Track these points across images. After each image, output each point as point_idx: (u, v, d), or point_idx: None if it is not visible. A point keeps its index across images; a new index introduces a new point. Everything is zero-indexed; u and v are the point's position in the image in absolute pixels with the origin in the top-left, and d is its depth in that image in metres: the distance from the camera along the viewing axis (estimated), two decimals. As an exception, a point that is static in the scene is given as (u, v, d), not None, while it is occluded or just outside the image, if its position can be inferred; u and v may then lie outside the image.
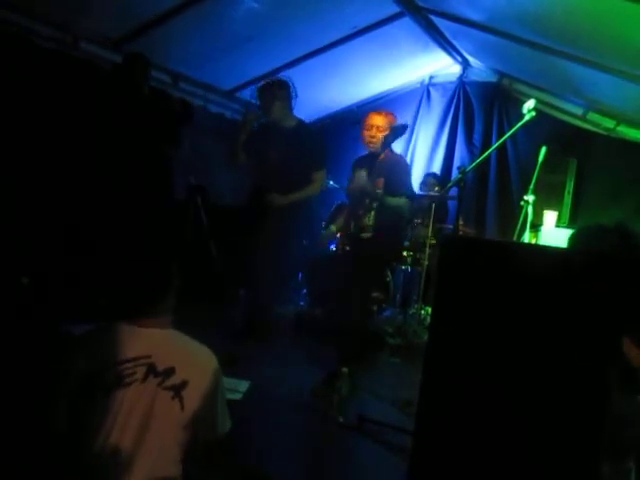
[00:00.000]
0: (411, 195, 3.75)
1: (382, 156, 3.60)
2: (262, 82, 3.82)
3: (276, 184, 3.70)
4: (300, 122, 3.83)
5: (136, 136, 3.58)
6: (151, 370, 1.47)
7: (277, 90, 3.68)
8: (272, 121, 3.76)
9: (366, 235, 3.53)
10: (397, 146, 4.00)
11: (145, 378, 1.46)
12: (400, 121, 3.69)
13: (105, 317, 1.64)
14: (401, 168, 3.71)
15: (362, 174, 3.58)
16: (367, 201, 3.55)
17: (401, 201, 3.58)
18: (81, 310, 2.91)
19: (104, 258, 3.15)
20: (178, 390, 1.47)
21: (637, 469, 1.71)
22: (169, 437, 1.47)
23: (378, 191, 3.51)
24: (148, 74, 3.80)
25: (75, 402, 1.46)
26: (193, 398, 1.49)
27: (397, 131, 3.49)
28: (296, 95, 3.75)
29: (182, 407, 1.47)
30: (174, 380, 1.48)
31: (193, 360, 1.56)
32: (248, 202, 3.90)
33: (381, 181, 3.57)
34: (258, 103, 3.77)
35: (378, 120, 3.62)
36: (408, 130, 5.41)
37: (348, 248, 3.66)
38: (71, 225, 3.42)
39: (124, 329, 1.55)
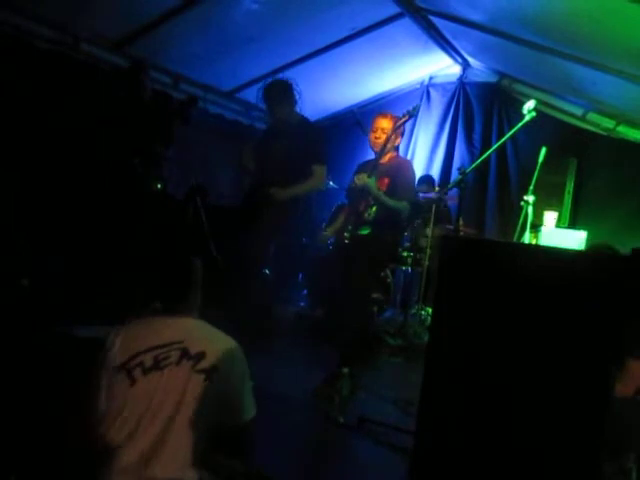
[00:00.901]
0: (413, 201, 3.77)
1: (388, 158, 3.61)
2: (266, 82, 3.82)
3: (276, 177, 3.69)
4: (303, 119, 3.84)
5: (131, 137, 3.58)
6: (185, 354, 1.54)
7: (282, 93, 3.71)
8: (277, 121, 3.80)
9: (365, 231, 3.54)
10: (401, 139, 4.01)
11: (179, 361, 1.52)
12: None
13: (106, 317, 1.68)
14: (407, 172, 3.72)
15: (363, 176, 3.57)
16: (369, 198, 3.56)
17: (401, 204, 3.58)
18: (82, 311, 2.91)
19: (120, 259, 3.19)
20: (209, 373, 1.53)
21: (638, 468, 1.72)
22: (197, 423, 1.50)
23: (380, 191, 3.52)
24: (148, 81, 3.81)
25: (112, 385, 1.52)
26: (223, 381, 1.55)
27: (411, 113, 3.56)
28: (300, 95, 3.78)
29: (213, 390, 1.52)
30: (205, 364, 1.53)
31: (221, 346, 1.62)
32: (245, 201, 3.89)
33: (385, 181, 3.58)
34: (263, 104, 3.80)
35: (384, 123, 3.65)
36: (408, 130, 5.42)
37: (347, 241, 3.65)
38: (70, 225, 3.41)
39: (156, 320, 1.65)
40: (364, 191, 3.55)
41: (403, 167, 3.74)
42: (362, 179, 3.56)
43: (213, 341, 1.62)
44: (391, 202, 3.54)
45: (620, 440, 1.73)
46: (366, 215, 3.57)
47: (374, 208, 3.55)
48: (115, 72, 3.94)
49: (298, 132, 3.72)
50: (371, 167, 3.62)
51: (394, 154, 3.80)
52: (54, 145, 3.57)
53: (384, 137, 3.61)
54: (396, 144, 3.79)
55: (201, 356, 1.54)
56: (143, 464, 1.43)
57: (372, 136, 3.69)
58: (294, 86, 3.76)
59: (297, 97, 3.75)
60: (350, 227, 3.65)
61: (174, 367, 1.51)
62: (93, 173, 3.55)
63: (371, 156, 3.92)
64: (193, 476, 1.49)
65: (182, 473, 1.47)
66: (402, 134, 3.85)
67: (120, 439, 1.45)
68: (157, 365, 1.51)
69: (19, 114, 3.44)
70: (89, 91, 3.79)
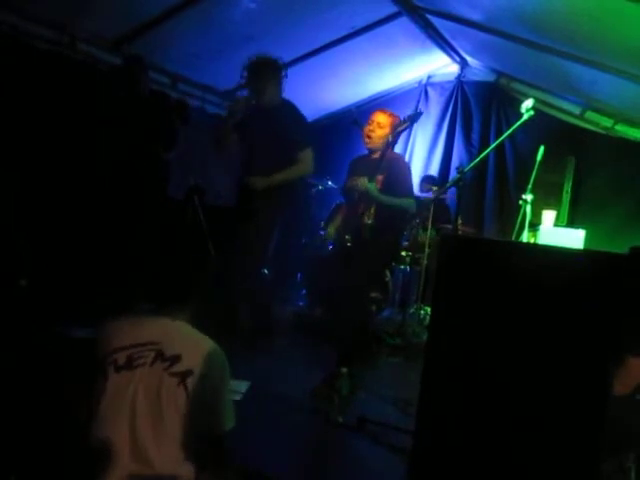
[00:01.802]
0: (412, 195, 3.73)
1: (382, 154, 3.56)
2: (255, 59, 3.58)
3: (260, 165, 3.59)
4: (284, 101, 3.65)
5: (131, 137, 3.57)
6: (159, 355, 1.52)
7: (271, 73, 3.53)
8: (261, 103, 3.61)
9: (366, 234, 3.51)
10: (396, 146, 3.97)
11: (153, 363, 1.51)
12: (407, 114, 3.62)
13: (105, 317, 1.67)
14: (401, 167, 3.67)
15: (364, 180, 3.50)
16: (370, 201, 3.52)
17: (406, 201, 3.54)
18: (81, 310, 2.91)
19: (120, 260, 3.17)
20: (183, 377, 1.50)
21: (637, 467, 1.72)
22: (178, 425, 1.49)
23: (382, 195, 3.47)
24: (146, 76, 3.79)
25: (95, 379, 1.52)
26: (198, 387, 1.52)
27: (412, 119, 3.48)
28: (286, 75, 3.60)
29: (187, 395, 1.50)
30: (180, 367, 1.51)
31: (199, 350, 1.58)
32: (240, 198, 3.84)
33: (381, 178, 3.54)
34: (248, 82, 3.60)
35: (381, 117, 3.56)
36: (406, 130, 5.41)
37: (349, 244, 3.62)
38: (68, 226, 3.41)
39: (140, 319, 1.65)
40: (367, 196, 3.50)
41: (397, 162, 3.67)
42: (364, 183, 3.47)
43: (191, 345, 1.59)
44: (396, 202, 3.50)
45: (619, 439, 1.73)
46: (366, 218, 3.54)
47: (373, 210, 3.52)
48: (112, 69, 3.92)
49: (278, 115, 3.55)
50: (370, 170, 3.55)
51: (387, 150, 3.73)
52: (53, 145, 3.57)
53: (378, 131, 3.55)
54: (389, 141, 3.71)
55: (176, 359, 1.52)
56: (134, 461, 1.43)
57: (366, 129, 3.61)
58: (283, 67, 3.58)
59: (284, 78, 3.58)
60: (351, 228, 3.63)
61: (147, 368, 1.50)
62: (92, 173, 3.55)
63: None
64: (188, 471, 1.49)
65: (175, 468, 1.47)
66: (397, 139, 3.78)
67: (104, 434, 1.45)
68: (129, 364, 1.51)
69: (16, 113, 3.43)
70: (88, 91, 3.79)
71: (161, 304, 1.67)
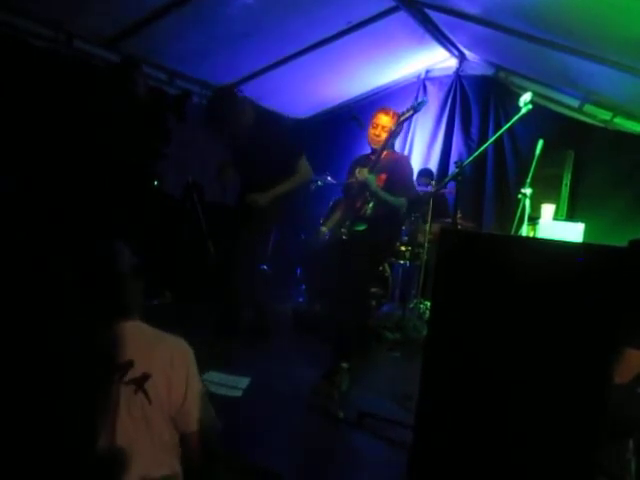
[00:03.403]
0: (412, 196, 3.72)
1: (386, 153, 3.56)
2: (205, 105, 3.57)
3: (258, 182, 3.59)
4: (256, 119, 3.59)
5: (128, 134, 3.56)
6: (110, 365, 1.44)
7: (224, 105, 3.50)
8: (235, 132, 3.58)
9: (361, 227, 3.51)
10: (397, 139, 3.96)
11: (106, 373, 1.43)
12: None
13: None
14: (404, 168, 3.67)
15: (364, 170, 3.52)
16: (366, 194, 3.52)
17: (399, 201, 3.55)
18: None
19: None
20: (140, 383, 1.43)
21: (637, 459, 1.72)
22: (150, 432, 1.44)
23: (378, 188, 3.48)
24: (142, 74, 3.78)
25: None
26: (159, 390, 1.45)
27: (415, 108, 3.44)
28: (240, 91, 3.61)
29: (149, 401, 1.44)
30: (134, 374, 1.44)
31: (155, 352, 1.50)
32: (237, 198, 3.83)
33: (383, 177, 3.54)
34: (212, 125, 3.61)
35: (385, 120, 3.55)
36: (405, 124, 5.39)
37: (344, 237, 3.62)
38: (56, 221, 3.38)
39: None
40: (363, 186, 3.51)
41: (401, 163, 3.69)
42: (363, 173, 3.49)
43: (146, 347, 1.50)
44: (390, 198, 3.50)
45: (616, 429, 1.74)
46: (363, 212, 3.54)
47: (371, 204, 3.52)
48: (107, 68, 3.90)
49: (264, 136, 3.52)
50: (372, 163, 3.56)
51: (391, 149, 3.76)
52: (48, 143, 3.55)
53: (384, 135, 3.55)
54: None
55: (128, 365, 1.44)
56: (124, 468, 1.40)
57: (372, 132, 3.60)
58: (233, 95, 3.56)
59: (240, 103, 3.51)
60: (347, 222, 3.63)
61: (102, 380, 1.43)
62: (87, 170, 3.53)
63: (366, 151, 3.88)
64: (173, 470, 1.48)
65: (158, 470, 1.45)
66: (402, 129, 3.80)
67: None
68: (86, 379, 1.42)
69: (10, 112, 3.42)
70: (83, 88, 3.77)
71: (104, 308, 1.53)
